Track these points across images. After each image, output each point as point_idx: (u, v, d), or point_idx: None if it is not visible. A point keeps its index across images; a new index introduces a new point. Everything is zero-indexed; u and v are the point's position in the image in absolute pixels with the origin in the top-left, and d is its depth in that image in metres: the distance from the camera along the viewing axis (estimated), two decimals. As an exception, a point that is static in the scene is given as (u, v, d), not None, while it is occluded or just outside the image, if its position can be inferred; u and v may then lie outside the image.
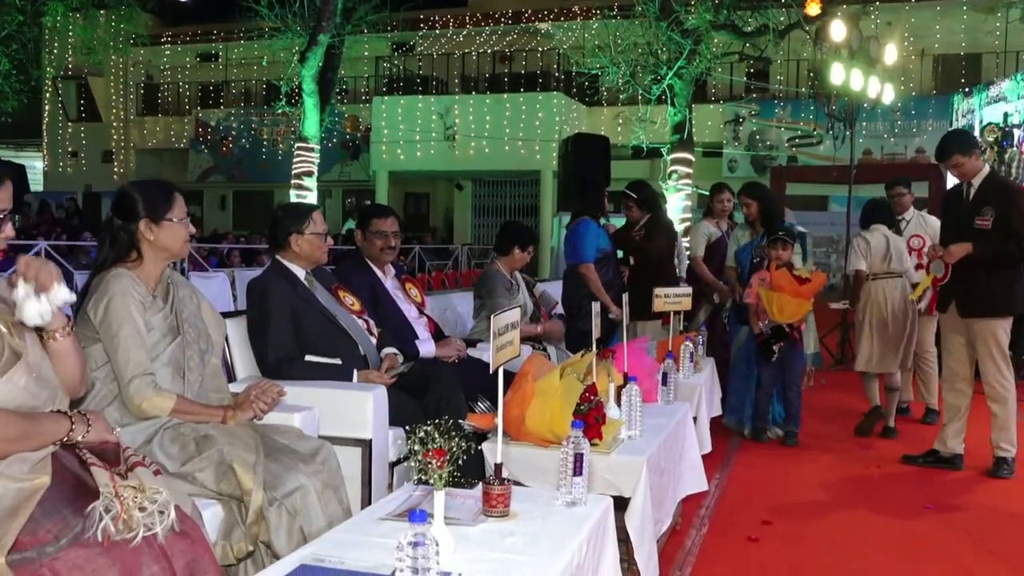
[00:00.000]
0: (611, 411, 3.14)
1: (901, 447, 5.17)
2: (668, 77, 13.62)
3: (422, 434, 1.88)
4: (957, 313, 4.72)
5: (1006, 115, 9.67)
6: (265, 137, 23.94)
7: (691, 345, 4.44)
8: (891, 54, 9.00)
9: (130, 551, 1.61)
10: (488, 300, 4.65)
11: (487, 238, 21.80)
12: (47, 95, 25.55)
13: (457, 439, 1.87)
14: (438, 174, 21.72)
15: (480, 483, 2.15)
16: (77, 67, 24.46)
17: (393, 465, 3.09)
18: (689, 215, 13.61)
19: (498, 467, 2.16)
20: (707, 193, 6.73)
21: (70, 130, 26.14)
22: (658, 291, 4.59)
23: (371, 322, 3.42)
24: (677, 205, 14.06)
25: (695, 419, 4.27)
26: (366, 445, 2.88)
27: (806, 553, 3.51)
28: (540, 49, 21.67)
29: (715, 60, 14.81)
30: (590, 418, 2.82)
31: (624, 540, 2.73)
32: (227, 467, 2.17)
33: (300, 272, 3.30)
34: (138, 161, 25.63)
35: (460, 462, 1.88)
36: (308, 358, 3.16)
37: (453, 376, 3.23)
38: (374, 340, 3.38)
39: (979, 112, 11.95)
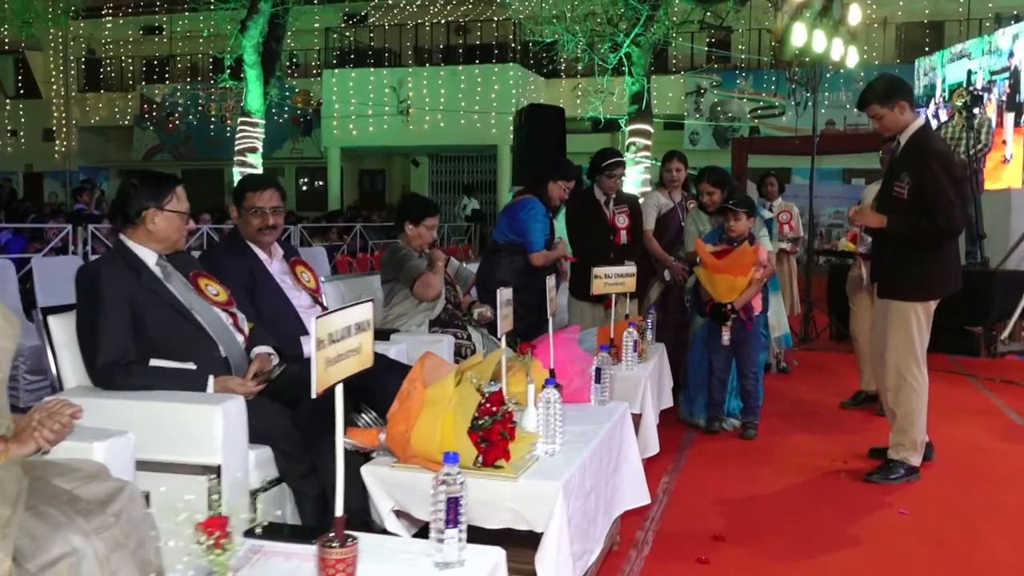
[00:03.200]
0: (528, 420, 2.59)
1: (867, 442, 4.69)
2: (626, 45, 13.07)
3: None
4: (877, 293, 4.16)
5: (969, 72, 9.23)
6: (213, 113, 23.11)
7: (634, 332, 3.90)
8: (855, 15, 8.49)
9: None
10: (400, 271, 4.07)
11: (445, 216, 21.15)
12: (-17, 70, 24.46)
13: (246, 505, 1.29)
14: (392, 150, 21.03)
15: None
16: (13, 41, 23.29)
17: (257, 493, 2.51)
18: (648, 188, 13.10)
19: (339, 521, 1.59)
20: None
21: (8, 107, 25.03)
22: (597, 271, 4.05)
23: (239, 316, 2.83)
24: (636, 178, 13.55)
25: (639, 417, 3.76)
26: (214, 472, 2.30)
27: (763, 577, 3.00)
28: (496, 19, 20.97)
29: (675, 27, 14.29)
30: (493, 434, 2.28)
31: (536, 583, 2.20)
32: (-34, 528, 1.59)
33: (150, 256, 2.70)
34: (81, 139, 24.65)
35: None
36: (153, 362, 2.57)
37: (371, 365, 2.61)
38: (241, 338, 2.78)
39: (941, 70, 11.53)
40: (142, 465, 2.26)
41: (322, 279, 4.33)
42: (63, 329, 2.59)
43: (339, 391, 1.59)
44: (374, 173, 24.15)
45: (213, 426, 2.30)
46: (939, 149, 3.94)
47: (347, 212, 16.52)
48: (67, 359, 2.59)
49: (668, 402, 4.49)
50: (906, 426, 4.09)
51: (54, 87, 24.75)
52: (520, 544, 2.25)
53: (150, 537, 1.81)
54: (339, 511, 1.59)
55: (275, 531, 1.71)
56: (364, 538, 1.64)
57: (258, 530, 1.64)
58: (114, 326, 2.51)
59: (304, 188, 23.80)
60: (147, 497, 2.14)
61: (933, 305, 4.04)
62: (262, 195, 3.19)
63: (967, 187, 4.08)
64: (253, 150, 16.09)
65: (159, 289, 2.64)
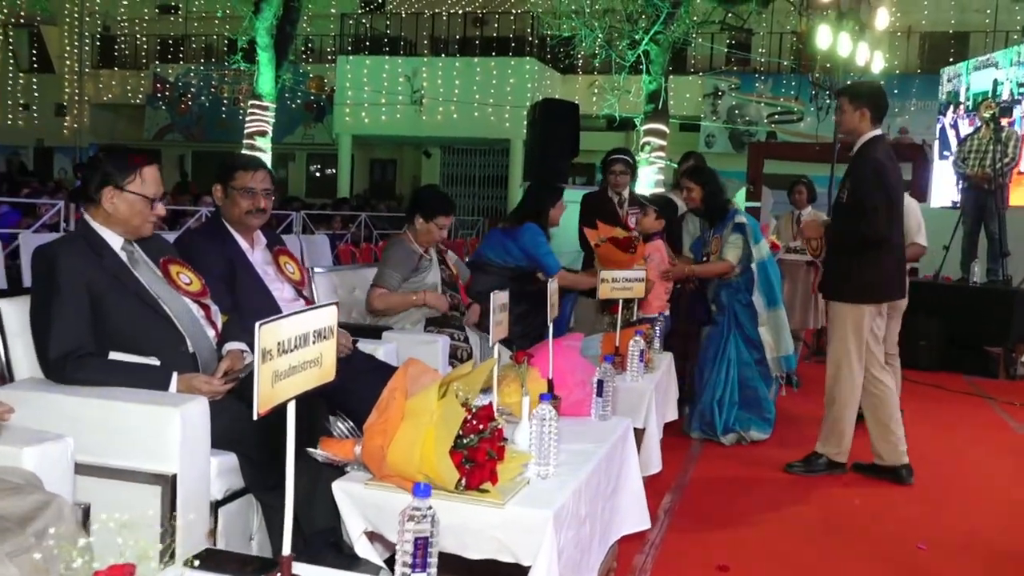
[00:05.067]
0: (521, 436, 2.36)
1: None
2: (644, 42, 12.82)
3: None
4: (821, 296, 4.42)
5: (996, 82, 8.94)
6: (225, 95, 22.96)
7: (641, 341, 3.66)
8: (883, 19, 8.22)
9: None
10: (381, 269, 3.86)
11: (456, 208, 20.95)
12: (-4, 42, 24.33)
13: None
14: (404, 139, 20.80)
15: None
16: (29, 15, 23.15)
17: (219, 505, 2.28)
18: (660, 190, 12.87)
19: (286, 560, 1.36)
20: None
21: (21, 81, 24.87)
22: (604, 274, 3.81)
23: (212, 308, 2.60)
24: (649, 179, 13.34)
25: (642, 432, 3.53)
26: (168, 482, 2.07)
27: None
28: (514, 12, 20.71)
29: (695, 26, 14.04)
30: (480, 454, 2.04)
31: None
32: None
33: (115, 239, 2.47)
34: (92, 116, 24.49)
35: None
36: (113, 356, 2.35)
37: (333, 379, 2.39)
38: (213, 332, 2.55)
39: (966, 78, 11.20)
40: (87, 470, 2.04)
41: (319, 269, 4.12)
42: (17, 315, 2.37)
43: (291, 411, 1.36)
44: (385, 163, 23.94)
45: (169, 430, 2.07)
46: (877, 158, 4.06)
47: (355, 200, 16.30)
48: (20, 348, 2.37)
49: (673, 415, 4.25)
50: (834, 424, 4.22)
51: (68, 62, 24.60)
52: (504, 578, 2.02)
53: (82, 561, 1.58)
54: (287, 548, 1.36)
55: (214, 561, 1.49)
56: (317, 577, 1.42)
57: (196, 562, 1.42)
58: (70, 314, 2.28)
59: (315, 175, 23.61)
60: (87, 511, 1.93)
61: (869, 309, 4.13)
62: (254, 175, 2.95)
63: (901, 198, 4.21)
64: (263, 133, 15.90)
65: (123, 275, 2.42)
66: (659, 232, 4.85)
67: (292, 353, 1.33)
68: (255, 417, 1.31)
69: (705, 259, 4.86)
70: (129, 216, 2.44)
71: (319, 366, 1.41)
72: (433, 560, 1.46)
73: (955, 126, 11.92)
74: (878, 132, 4.14)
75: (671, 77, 14.54)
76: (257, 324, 1.26)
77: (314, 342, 1.39)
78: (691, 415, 4.87)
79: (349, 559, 2.08)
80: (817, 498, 3.96)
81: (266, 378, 1.28)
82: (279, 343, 1.30)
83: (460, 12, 21.35)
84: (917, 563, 3.27)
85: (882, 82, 14.54)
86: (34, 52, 24.78)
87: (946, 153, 11.49)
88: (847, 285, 4.13)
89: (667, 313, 4.71)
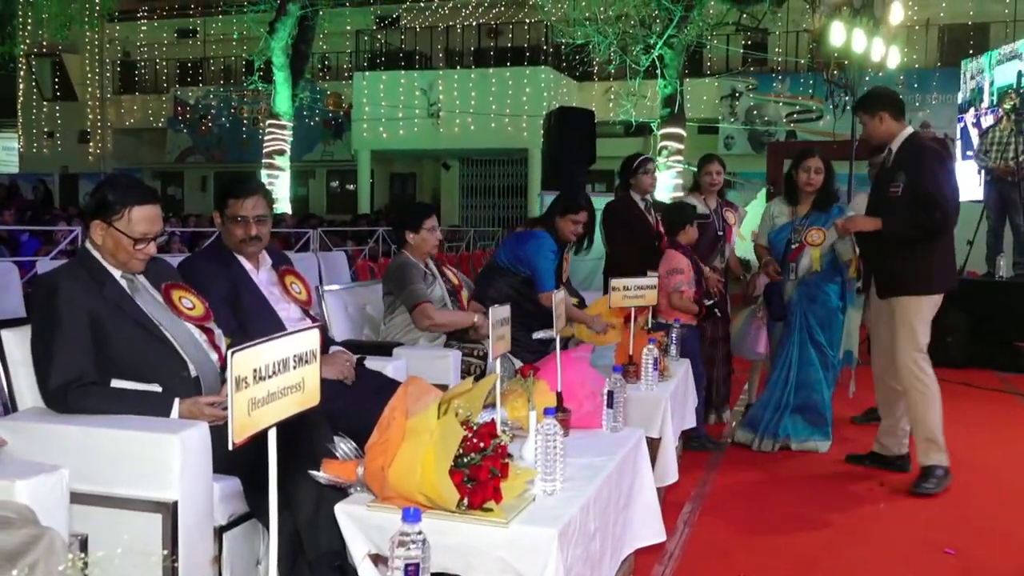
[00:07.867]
0: (528, 452, 2.32)
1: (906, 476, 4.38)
2: (658, 46, 12.78)
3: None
4: (877, 295, 4.25)
5: (1020, 74, 8.77)
6: (245, 115, 23.21)
7: (655, 349, 3.61)
8: (897, 13, 8.12)
9: None
10: (402, 292, 3.81)
11: (475, 219, 21.01)
12: (21, 73, 24.70)
13: None
14: (423, 153, 20.87)
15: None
16: (51, 44, 23.52)
17: (224, 530, 2.26)
18: (680, 194, 12.81)
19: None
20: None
21: (45, 109, 25.32)
22: (616, 283, 3.77)
23: (215, 332, 2.58)
24: (667, 183, 13.29)
25: (658, 441, 3.47)
26: (169, 510, 2.05)
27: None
28: (528, 21, 20.73)
29: (709, 29, 13.98)
30: (482, 472, 2.00)
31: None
32: None
33: (116, 268, 2.46)
34: (115, 141, 24.86)
35: None
36: (115, 383, 2.33)
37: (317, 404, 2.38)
38: (216, 356, 2.53)
39: (989, 72, 11.03)
40: (87, 499, 2.03)
41: (329, 287, 4.10)
42: (19, 344, 2.36)
43: (272, 439, 1.33)
44: (404, 176, 24.04)
45: (169, 457, 2.05)
46: (932, 148, 4.08)
47: (374, 215, 16.32)
48: (23, 378, 2.36)
49: (692, 422, 4.18)
50: (924, 429, 4.05)
51: (90, 89, 24.98)
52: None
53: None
54: (272, 572, 1.33)
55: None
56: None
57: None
58: (71, 344, 2.27)
59: (335, 191, 23.75)
60: (84, 542, 1.92)
61: (935, 301, 4.06)
62: (244, 203, 2.92)
63: (957, 184, 4.15)
64: (281, 152, 16.03)
65: (124, 303, 2.40)
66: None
67: (271, 379, 1.31)
68: (230, 447, 1.28)
69: (795, 247, 4.72)
70: (115, 251, 2.42)
71: (301, 391, 1.38)
72: (426, 586, 1.43)
73: (977, 124, 11.72)
74: (910, 128, 4.13)
75: (687, 80, 14.49)
76: (229, 352, 1.24)
77: (295, 367, 1.36)
78: (753, 423, 4.81)
79: (353, 583, 2.05)
80: (841, 504, 3.87)
81: (241, 407, 1.25)
82: (255, 370, 1.27)
83: (474, 24, 21.43)
84: (945, 569, 3.18)
85: (901, 77, 14.35)
86: (57, 80, 25.19)
87: (968, 153, 11.30)
88: (919, 277, 4.02)
89: (680, 320, 4.50)
